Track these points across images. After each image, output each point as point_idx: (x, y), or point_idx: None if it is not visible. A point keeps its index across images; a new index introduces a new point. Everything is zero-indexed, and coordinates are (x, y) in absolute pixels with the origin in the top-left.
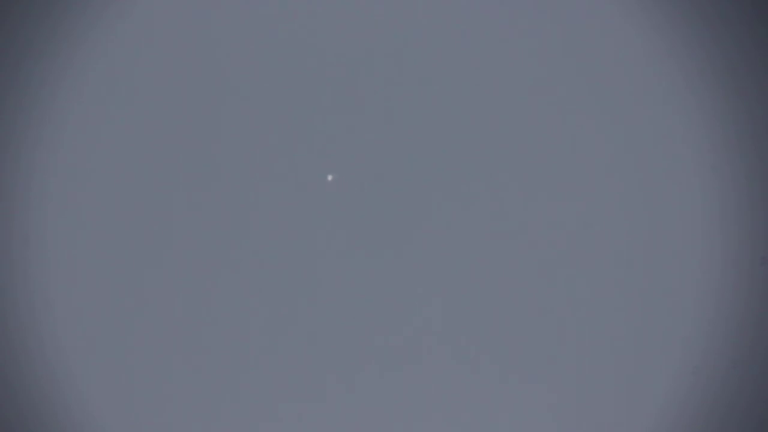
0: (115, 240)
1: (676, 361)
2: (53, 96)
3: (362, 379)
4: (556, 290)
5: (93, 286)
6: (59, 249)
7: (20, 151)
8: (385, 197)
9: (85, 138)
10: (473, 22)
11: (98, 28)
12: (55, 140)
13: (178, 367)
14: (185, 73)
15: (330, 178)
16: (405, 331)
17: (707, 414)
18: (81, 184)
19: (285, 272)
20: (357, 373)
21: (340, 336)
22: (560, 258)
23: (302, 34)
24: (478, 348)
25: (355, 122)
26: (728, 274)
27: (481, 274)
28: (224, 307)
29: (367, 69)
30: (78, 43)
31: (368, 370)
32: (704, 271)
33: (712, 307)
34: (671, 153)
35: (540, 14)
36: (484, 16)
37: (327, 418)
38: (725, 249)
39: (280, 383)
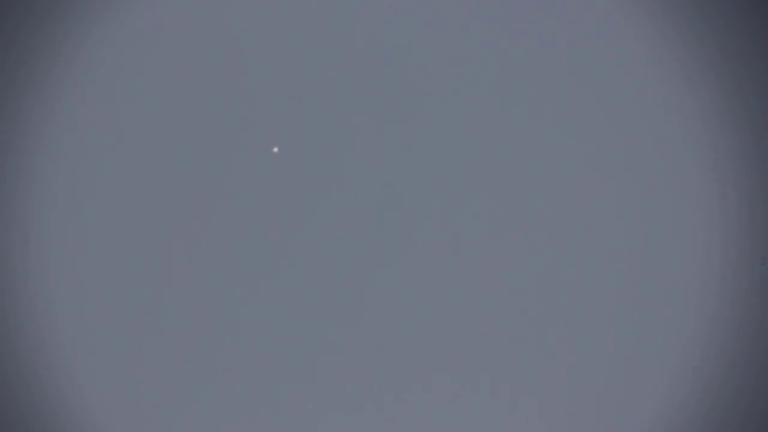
0: (116, 240)
1: (676, 361)
2: (53, 97)
3: (361, 380)
4: (557, 290)
5: (93, 286)
6: (59, 249)
7: (21, 152)
8: (400, 208)
9: (85, 138)
10: (474, 24)
11: (99, 30)
12: (55, 141)
13: (178, 367)
14: (186, 74)
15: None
16: (404, 333)
17: (707, 414)
18: (82, 184)
19: (284, 275)
20: (356, 375)
21: (338, 340)
22: (561, 258)
23: (303, 35)
24: (480, 347)
25: (355, 124)
26: (728, 274)
27: (484, 274)
28: (223, 307)
29: (369, 72)
30: (78, 44)
31: (367, 370)
32: (704, 271)
33: (712, 307)
34: (671, 153)
35: (540, 15)
36: (484, 17)
37: (327, 421)
38: (725, 249)
39: (278, 385)
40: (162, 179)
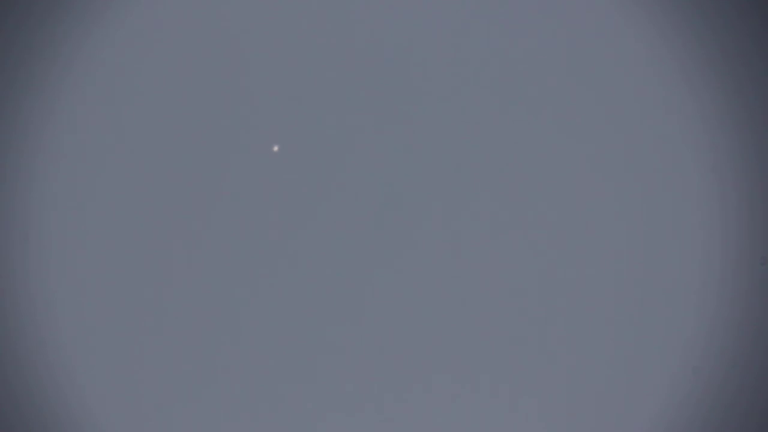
0: (116, 240)
1: (676, 361)
2: (53, 97)
3: (361, 380)
4: (557, 290)
5: (93, 286)
6: (59, 249)
7: (21, 152)
8: (400, 207)
9: (85, 138)
10: (474, 24)
11: (99, 30)
12: (55, 141)
13: (178, 367)
14: (186, 74)
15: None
16: (404, 335)
17: (707, 414)
18: (82, 184)
19: (284, 275)
20: (356, 375)
21: (338, 340)
22: (560, 258)
23: (303, 34)
24: (480, 347)
25: (355, 124)
26: (728, 274)
27: (484, 274)
28: (223, 307)
29: (369, 72)
30: (78, 44)
31: (367, 370)
32: (704, 271)
33: (712, 307)
34: (671, 153)
35: (540, 15)
36: (484, 17)
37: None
38: (725, 249)
39: (278, 385)
40: (162, 179)
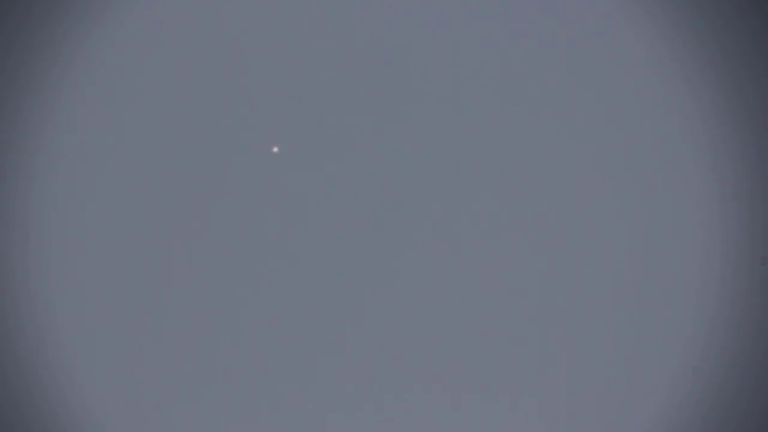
0: (116, 239)
1: (676, 361)
2: (53, 97)
3: (361, 380)
4: (557, 290)
5: (93, 286)
6: (59, 249)
7: (21, 152)
8: (400, 207)
9: (85, 138)
10: (474, 24)
11: (99, 30)
12: (55, 141)
13: (178, 367)
14: (186, 74)
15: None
16: (407, 335)
17: (707, 414)
18: (82, 184)
19: (284, 276)
20: (356, 375)
21: (338, 340)
22: (561, 258)
23: (303, 34)
24: (480, 347)
25: (355, 124)
26: (728, 274)
27: (484, 274)
28: (223, 307)
29: (369, 72)
30: (78, 44)
31: (367, 370)
32: (704, 271)
33: (712, 307)
34: (671, 153)
35: (540, 15)
36: (484, 17)
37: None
38: (725, 249)
39: (278, 385)
40: (162, 179)
